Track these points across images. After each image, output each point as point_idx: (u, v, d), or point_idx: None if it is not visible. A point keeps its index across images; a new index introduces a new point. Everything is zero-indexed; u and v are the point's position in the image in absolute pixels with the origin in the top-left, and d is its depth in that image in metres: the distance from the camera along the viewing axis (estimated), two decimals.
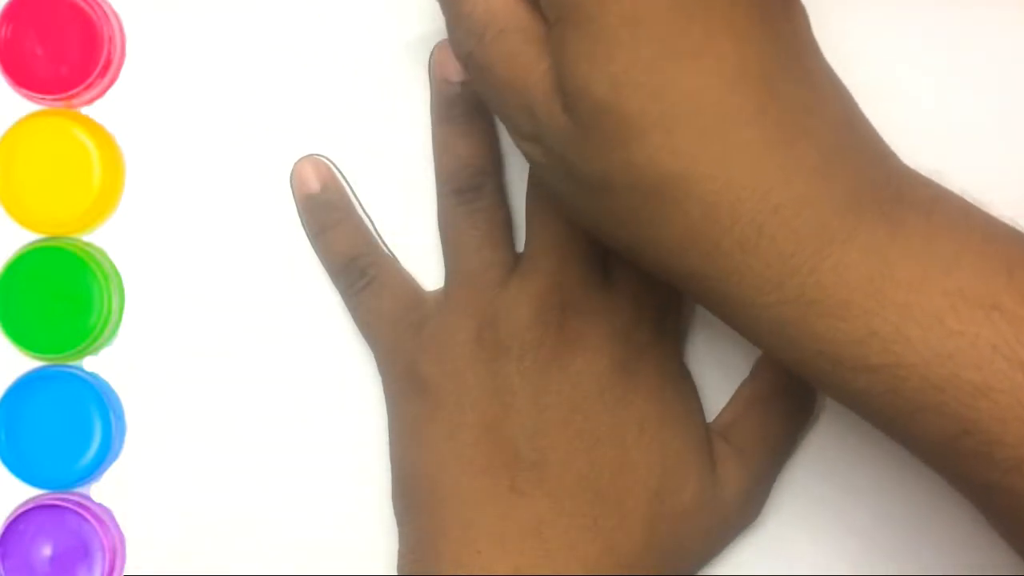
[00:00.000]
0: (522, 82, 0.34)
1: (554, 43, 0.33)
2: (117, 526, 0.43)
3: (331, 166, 0.43)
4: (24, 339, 0.43)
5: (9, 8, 0.42)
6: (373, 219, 0.43)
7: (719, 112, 0.31)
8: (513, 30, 0.34)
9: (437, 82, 0.42)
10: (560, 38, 0.33)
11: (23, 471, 0.43)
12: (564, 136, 0.33)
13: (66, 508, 0.42)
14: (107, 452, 0.43)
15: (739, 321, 0.34)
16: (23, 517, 0.42)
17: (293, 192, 0.43)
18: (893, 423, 0.33)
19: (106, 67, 0.43)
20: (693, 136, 0.31)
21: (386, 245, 0.43)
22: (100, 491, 0.44)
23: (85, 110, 0.43)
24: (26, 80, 0.42)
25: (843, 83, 0.34)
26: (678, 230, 0.32)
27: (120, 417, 0.43)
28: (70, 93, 0.42)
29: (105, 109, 0.43)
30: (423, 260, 0.43)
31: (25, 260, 0.42)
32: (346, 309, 0.43)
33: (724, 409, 0.42)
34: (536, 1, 0.34)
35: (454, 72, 0.42)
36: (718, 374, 0.42)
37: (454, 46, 0.36)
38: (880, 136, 0.34)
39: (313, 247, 0.43)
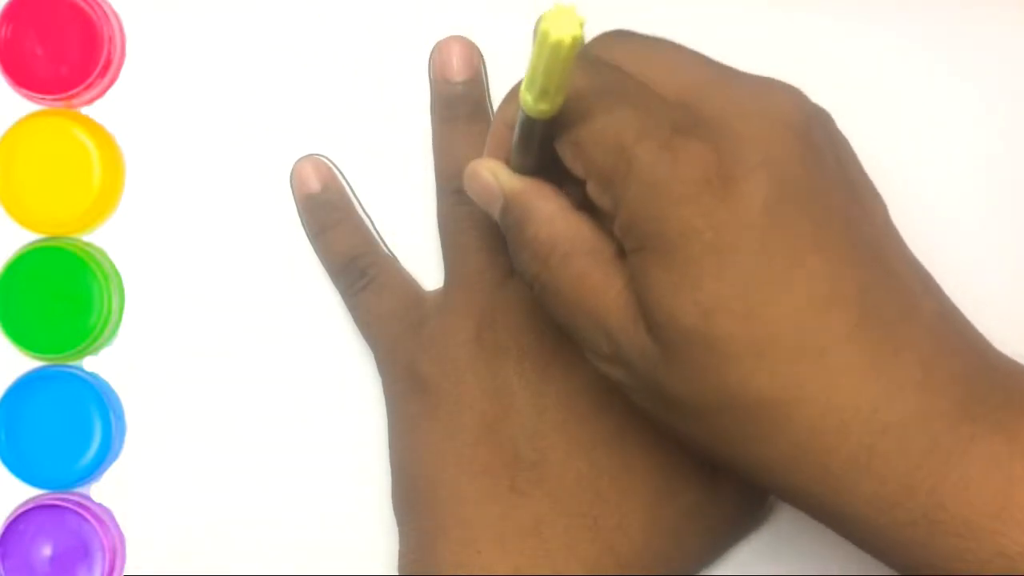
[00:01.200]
0: (595, 305, 0.34)
1: (634, 271, 0.33)
2: (117, 526, 0.43)
3: (331, 166, 0.43)
4: (24, 339, 0.43)
5: (9, 8, 0.42)
6: (373, 219, 0.43)
7: (813, 333, 0.31)
8: (579, 253, 0.34)
9: (437, 82, 0.42)
10: (641, 267, 0.32)
11: (23, 471, 0.43)
12: (649, 360, 0.33)
13: (66, 508, 0.42)
14: (107, 452, 0.43)
15: (858, 538, 0.33)
16: (23, 517, 0.42)
17: (293, 192, 0.43)
18: None
19: (106, 67, 0.43)
20: (788, 360, 0.31)
21: (386, 245, 0.43)
22: (100, 491, 0.44)
23: (85, 110, 0.43)
24: (26, 80, 0.42)
25: (924, 267, 0.34)
26: (782, 450, 0.32)
27: (120, 417, 0.43)
28: (70, 93, 0.42)
29: (105, 109, 0.43)
30: (423, 260, 0.43)
31: (25, 260, 0.42)
32: (346, 309, 0.43)
33: None
34: (599, 220, 0.34)
35: (454, 72, 0.42)
36: None
37: (520, 270, 0.36)
38: (968, 320, 0.34)
39: (313, 247, 0.43)
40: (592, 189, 0.33)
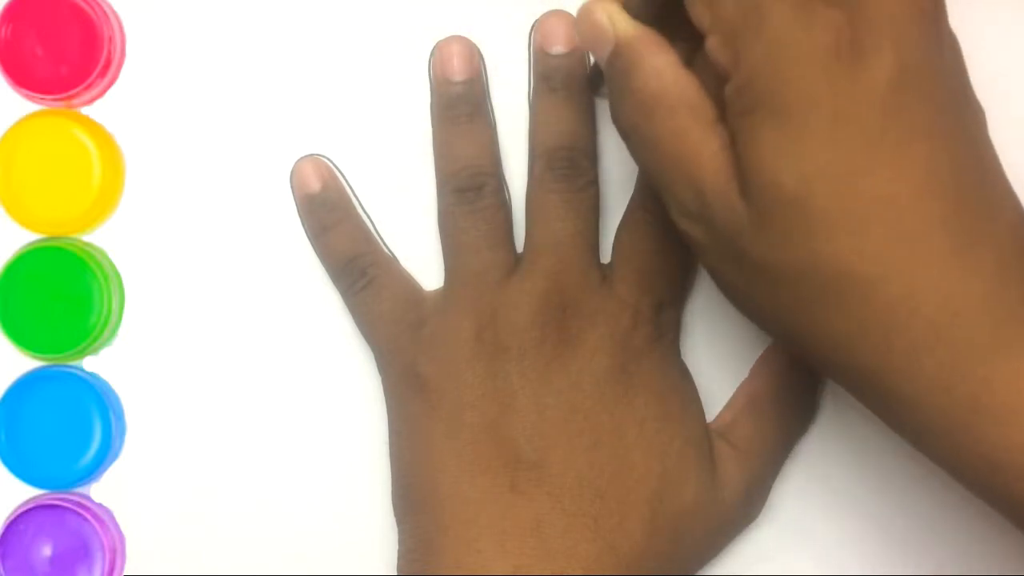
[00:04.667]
0: (691, 161, 0.34)
1: (741, 131, 0.33)
2: (117, 526, 0.43)
3: (331, 166, 0.43)
4: (24, 339, 0.43)
5: (9, 8, 0.42)
6: (373, 219, 0.43)
7: (909, 217, 0.31)
8: (683, 108, 0.34)
9: (437, 82, 0.42)
10: (750, 127, 0.32)
11: (23, 471, 0.43)
12: (738, 221, 0.33)
13: (66, 508, 0.42)
14: (107, 452, 0.43)
15: (902, 420, 0.33)
16: (23, 517, 0.42)
17: (293, 192, 0.43)
18: None
19: (106, 67, 0.43)
20: (881, 239, 0.31)
21: (386, 245, 0.43)
22: (100, 491, 0.44)
23: (85, 110, 0.43)
24: (26, 80, 0.42)
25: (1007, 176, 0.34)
26: (851, 326, 0.32)
27: (120, 417, 0.43)
28: (70, 93, 0.42)
29: (105, 109, 0.43)
30: (423, 260, 0.43)
31: (25, 260, 0.42)
32: (346, 309, 0.43)
33: (724, 409, 0.42)
34: (703, 79, 0.34)
35: (454, 72, 0.42)
36: (718, 374, 0.42)
37: (619, 116, 0.36)
38: None
39: (313, 247, 0.43)
40: (714, 42, 0.33)
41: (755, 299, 0.34)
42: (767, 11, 0.32)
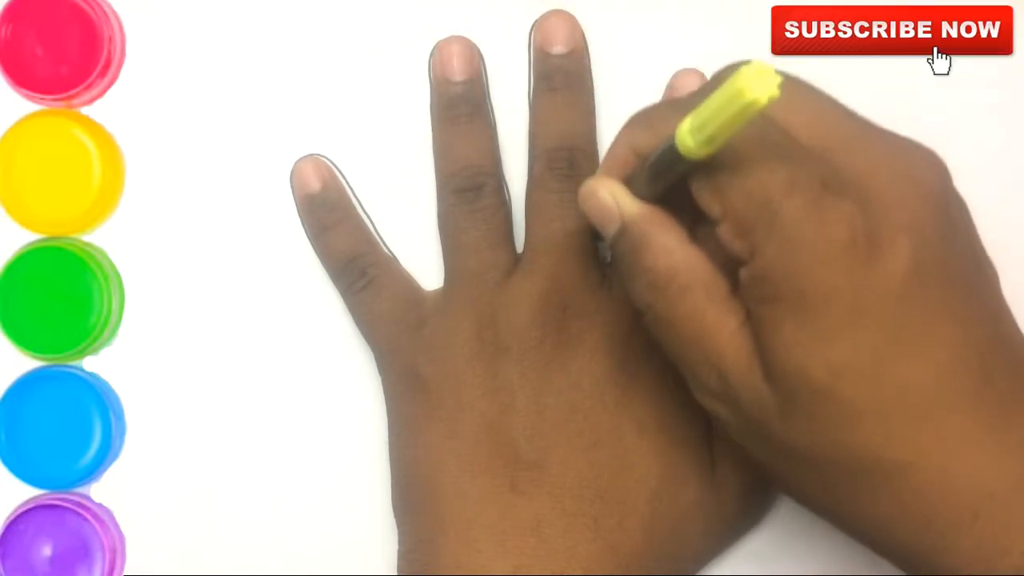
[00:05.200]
0: (708, 343, 0.34)
1: (761, 320, 0.33)
2: (117, 526, 0.43)
3: (331, 166, 0.43)
4: (24, 339, 0.43)
5: (9, 8, 0.42)
6: (373, 219, 0.43)
7: (937, 399, 0.32)
8: (697, 287, 0.34)
9: (437, 82, 0.42)
10: (771, 318, 0.32)
11: (23, 471, 0.43)
12: (763, 406, 0.33)
13: (66, 508, 0.42)
14: (107, 452, 0.43)
15: None
16: (23, 517, 0.42)
17: (293, 192, 0.43)
18: None
19: (106, 67, 0.43)
20: (910, 424, 0.32)
21: (386, 245, 0.43)
22: (100, 491, 0.44)
23: (85, 110, 0.43)
24: (26, 80, 0.42)
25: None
26: (886, 508, 0.32)
27: (120, 417, 0.43)
28: (70, 93, 0.42)
29: (105, 109, 0.43)
30: (423, 260, 0.43)
31: (25, 260, 0.42)
32: (346, 309, 0.43)
33: None
34: (709, 247, 0.34)
35: (454, 72, 0.42)
36: None
37: (633, 296, 0.35)
38: None
39: (313, 247, 0.43)
40: (726, 232, 0.33)
41: (786, 477, 0.34)
42: (778, 207, 0.32)
